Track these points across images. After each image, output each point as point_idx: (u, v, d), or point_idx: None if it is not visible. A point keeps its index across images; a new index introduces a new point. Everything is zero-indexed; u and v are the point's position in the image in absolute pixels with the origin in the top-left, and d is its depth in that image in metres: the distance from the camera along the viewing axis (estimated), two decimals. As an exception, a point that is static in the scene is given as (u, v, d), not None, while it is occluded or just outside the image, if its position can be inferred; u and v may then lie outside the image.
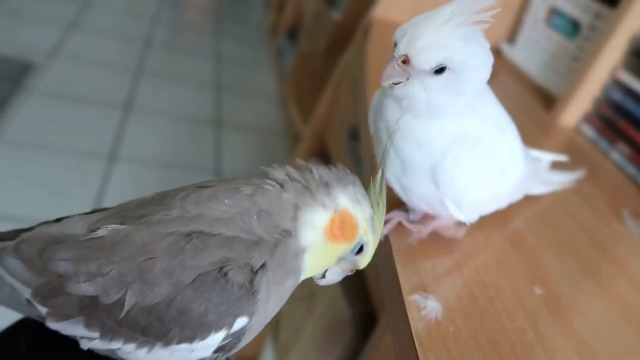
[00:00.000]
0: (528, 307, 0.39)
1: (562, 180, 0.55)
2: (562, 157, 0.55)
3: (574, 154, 0.63)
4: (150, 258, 0.30)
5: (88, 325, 0.31)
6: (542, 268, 0.44)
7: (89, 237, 0.31)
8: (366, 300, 0.72)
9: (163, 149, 1.66)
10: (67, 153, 1.49)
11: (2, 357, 0.38)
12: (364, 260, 0.35)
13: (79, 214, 0.35)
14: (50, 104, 1.67)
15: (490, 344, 0.35)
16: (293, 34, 2.21)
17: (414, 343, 0.33)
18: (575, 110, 0.75)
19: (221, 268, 0.30)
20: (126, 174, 1.49)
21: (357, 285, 0.73)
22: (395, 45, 0.36)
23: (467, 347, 0.34)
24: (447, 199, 0.40)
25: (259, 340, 1.07)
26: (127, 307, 0.30)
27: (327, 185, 0.33)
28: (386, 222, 0.42)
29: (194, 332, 0.30)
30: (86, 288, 0.30)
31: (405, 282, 0.37)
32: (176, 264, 0.30)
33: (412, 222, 0.44)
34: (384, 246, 0.42)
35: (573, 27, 0.82)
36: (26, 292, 0.32)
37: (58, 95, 1.72)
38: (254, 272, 0.31)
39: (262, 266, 0.31)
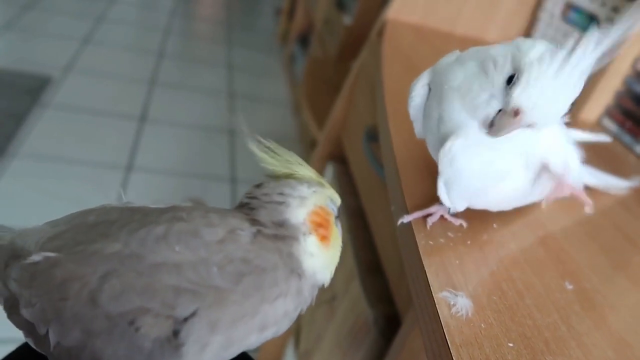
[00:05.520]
0: (559, 302, 0.38)
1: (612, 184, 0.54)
2: (603, 137, 0.56)
3: (597, 149, 0.61)
4: (63, 299, 0.28)
5: (37, 345, 0.30)
6: (571, 263, 0.43)
7: (27, 261, 0.30)
8: (389, 301, 0.71)
9: (179, 158, 1.68)
10: (85, 165, 1.51)
11: None
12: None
13: (48, 222, 0.34)
14: (67, 117, 1.69)
15: (523, 340, 0.34)
16: (304, 40, 2.22)
17: (446, 341, 0.32)
18: (596, 104, 0.74)
19: (133, 321, 0.27)
20: (143, 183, 1.51)
21: (378, 286, 0.73)
22: (513, 106, 0.34)
23: (499, 344, 0.33)
24: (441, 180, 0.40)
25: (279, 346, 1.06)
26: (52, 343, 0.29)
27: (283, 223, 0.32)
28: (427, 216, 0.42)
29: None
30: (25, 314, 0.30)
31: (433, 280, 0.37)
32: (86, 311, 0.28)
33: (453, 215, 0.43)
34: (409, 244, 0.42)
35: (590, 22, 0.81)
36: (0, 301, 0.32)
37: (75, 108, 1.75)
38: (180, 322, 0.28)
39: (193, 314, 0.28)
